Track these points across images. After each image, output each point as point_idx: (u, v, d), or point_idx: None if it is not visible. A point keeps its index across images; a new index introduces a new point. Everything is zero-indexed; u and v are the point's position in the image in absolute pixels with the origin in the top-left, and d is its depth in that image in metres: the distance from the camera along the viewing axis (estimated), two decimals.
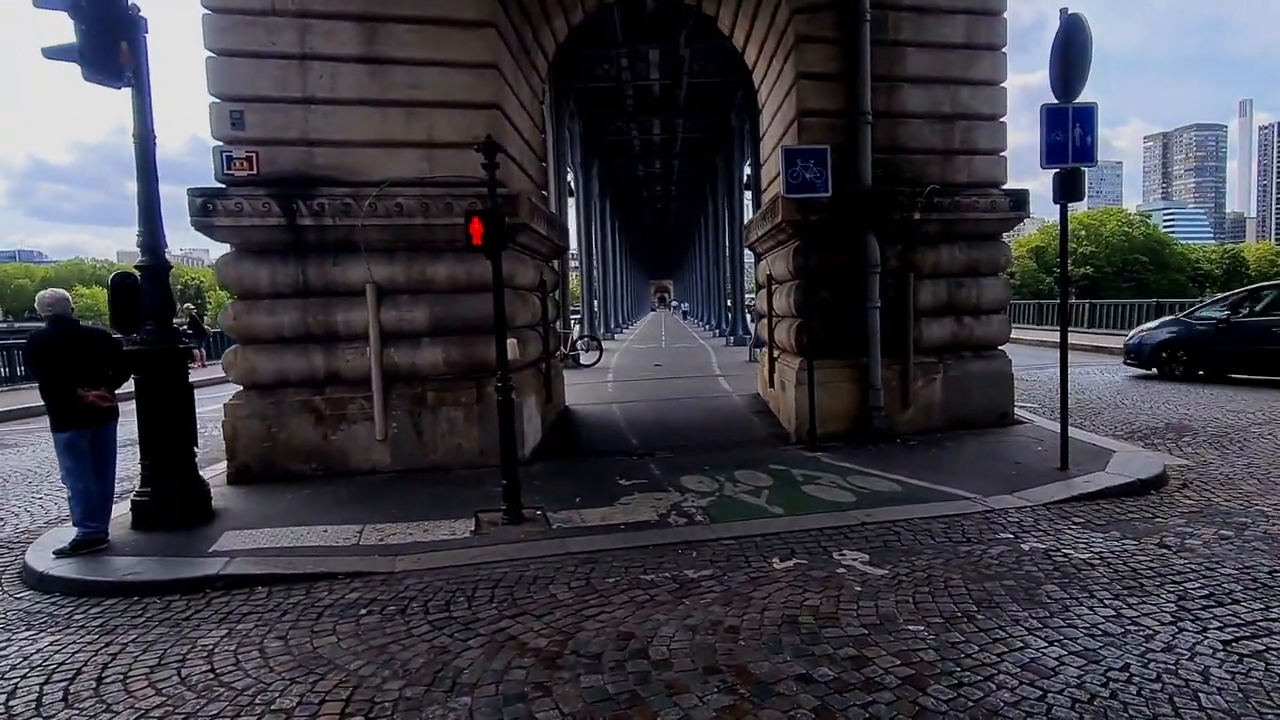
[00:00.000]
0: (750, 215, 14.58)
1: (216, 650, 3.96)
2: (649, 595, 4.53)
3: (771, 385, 10.07)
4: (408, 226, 7.41)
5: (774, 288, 9.91)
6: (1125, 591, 4.30)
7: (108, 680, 3.66)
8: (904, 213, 8.54)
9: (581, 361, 18.00)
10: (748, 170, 25.42)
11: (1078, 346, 20.12)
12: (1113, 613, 4.02)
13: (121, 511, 6.10)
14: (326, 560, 5.23)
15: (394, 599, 4.61)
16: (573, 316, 26.47)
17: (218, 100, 7.23)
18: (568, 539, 5.61)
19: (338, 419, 7.50)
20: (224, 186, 7.20)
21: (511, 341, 6.13)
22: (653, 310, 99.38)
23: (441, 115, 7.56)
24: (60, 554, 5.28)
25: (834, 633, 3.92)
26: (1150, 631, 3.78)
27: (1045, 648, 3.65)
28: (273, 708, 3.33)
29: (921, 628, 3.93)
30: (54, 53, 5.47)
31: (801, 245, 8.45)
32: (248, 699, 3.42)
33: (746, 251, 35.41)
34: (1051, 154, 6.61)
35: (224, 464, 7.56)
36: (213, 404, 9.60)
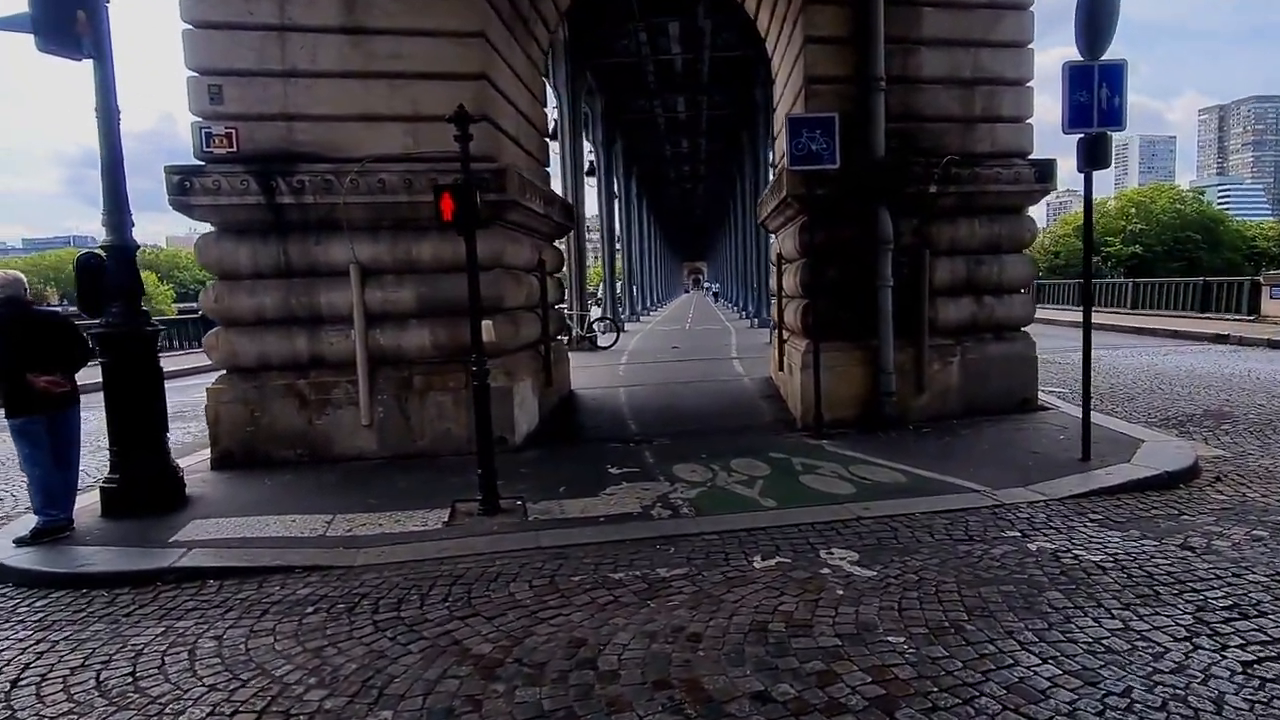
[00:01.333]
0: None
1: (146, 650, 3.74)
2: (613, 596, 4.21)
3: (781, 368, 9.64)
4: (391, 204, 7.13)
5: (783, 266, 9.45)
6: (1137, 600, 3.86)
7: (23, 683, 3.46)
8: (919, 185, 8.01)
9: (599, 344, 17.71)
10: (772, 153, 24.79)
11: (1120, 328, 19.26)
12: (1120, 625, 3.59)
13: (94, 499, 5.98)
14: (286, 553, 5.01)
15: (345, 596, 4.36)
16: (592, 298, 26.17)
17: (196, 75, 7.00)
18: (541, 532, 5.31)
19: (322, 403, 7.30)
20: (203, 164, 6.98)
21: (486, 323, 5.83)
22: (686, 292, 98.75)
23: (426, 87, 7.23)
24: (20, 542, 5.15)
25: (804, 643, 3.55)
26: (1160, 649, 3.35)
27: (1038, 666, 3.24)
28: (181, 718, 3.10)
29: (902, 639, 3.55)
30: (6, 23, 5.25)
31: (809, 221, 7.99)
32: (157, 708, 3.18)
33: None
34: (1075, 117, 6.05)
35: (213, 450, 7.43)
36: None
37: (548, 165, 10.29)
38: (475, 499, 5.82)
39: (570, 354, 16.69)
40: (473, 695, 3.20)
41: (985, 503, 5.63)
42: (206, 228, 7.28)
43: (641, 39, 18.92)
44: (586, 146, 26.26)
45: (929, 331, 8.23)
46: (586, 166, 27.23)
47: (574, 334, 17.47)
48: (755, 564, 4.63)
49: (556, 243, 10.69)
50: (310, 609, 4.20)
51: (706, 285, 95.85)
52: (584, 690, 3.21)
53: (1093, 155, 6.16)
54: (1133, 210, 79.60)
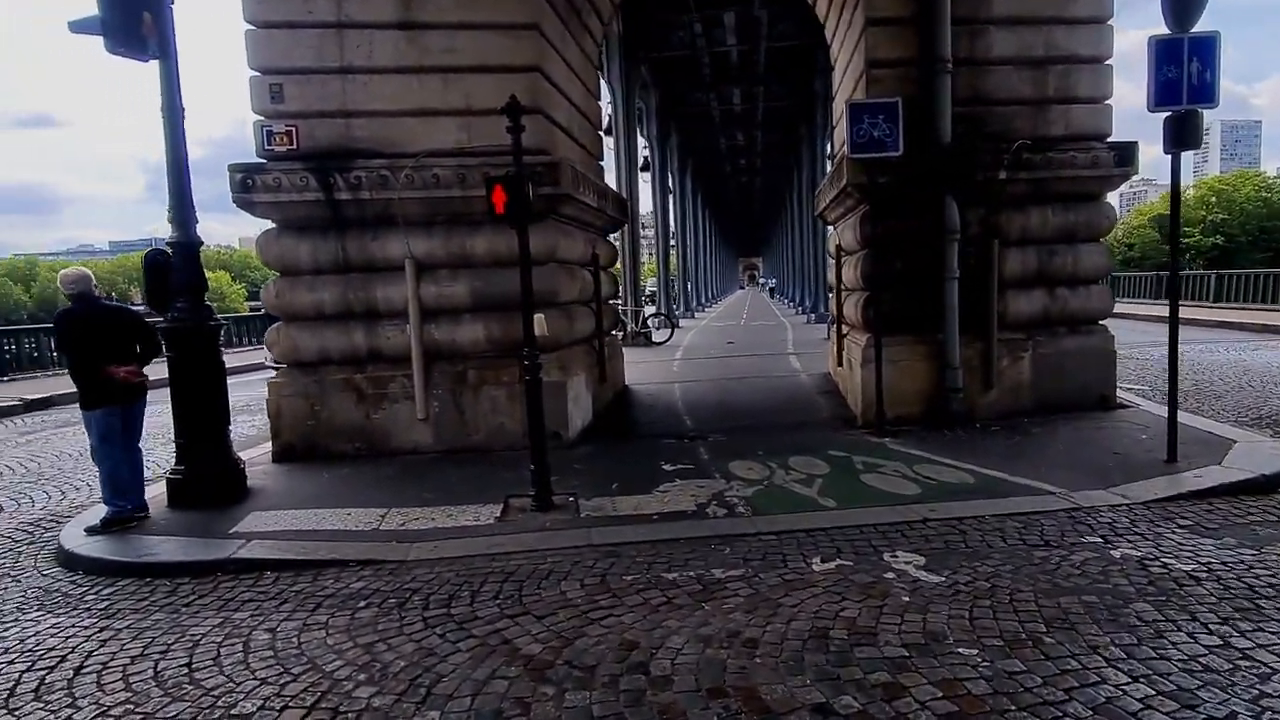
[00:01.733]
0: None
1: (202, 641, 3.78)
2: (666, 597, 4.09)
3: (840, 364, 9.36)
4: (445, 199, 7.14)
5: (843, 259, 9.17)
6: (1237, 614, 3.54)
7: (86, 670, 3.52)
8: (988, 172, 7.64)
9: (653, 339, 17.59)
10: (829, 145, 24.24)
11: (1202, 322, 18.22)
12: (1219, 642, 3.29)
13: (162, 490, 6.14)
14: (341, 546, 5.03)
15: (397, 591, 4.34)
16: (647, 295, 26.08)
17: (257, 74, 7.13)
18: (593, 529, 5.22)
19: (379, 398, 7.36)
20: (264, 162, 7.11)
21: (539, 317, 5.75)
22: (741, 288, 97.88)
23: (479, 81, 7.21)
24: (91, 531, 5.30)
25: (868, 652, 3.36)
26: (1266, 669, 3.06)
27: (1127, 685, 2.99)
28: (232, 712, 3.09)
29: (975, 651, 3.32)
30: (78, 26, 5.41)
31: (870, 211, 7.70)
32: (210, 700, 3.19)
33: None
34: (1162, 94, 5.65)
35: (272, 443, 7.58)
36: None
37: (601, 159, 10.20)
38: (528, 494, 5.77)
39: (625, 349, 16.68)
40: (521, 698, 3.11)
41: (1061, 505, 5.31)
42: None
43: (696, 30, 18.68)
44: (641, 142, 26.18)
45: (998, 325, 7.85)
46: (641, 162, 27.18)
47: (629, 329, 17.40)
48: (814, 566, 4.44)
49: (610, 237, 10.60)
50: (362, 603, 4.18)
51: (762, 281, 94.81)
52: (635, 696, 3.09)
53: (1181, 135, 5.75)
54: (1213, 199, 75.51)
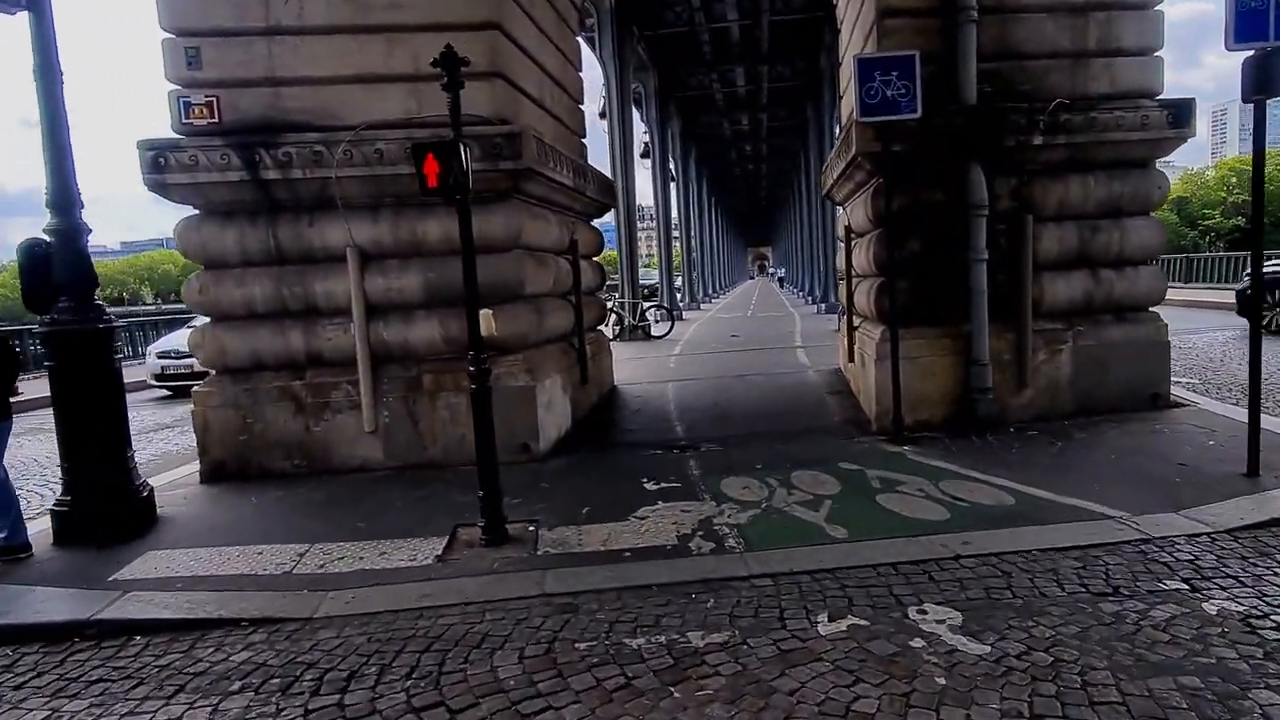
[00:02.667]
0: None
1: None
2: (625, 678, 3.13)
3: (851, 359, 8.35)
4: (392, 177, 6.17)
5: (853, 241, 8.16)
6: None
7: None
8: (1020, 136, 6.60)
9: (652, 333, 16.61)
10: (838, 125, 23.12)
11: (1222, 305, 17.04)
12: None
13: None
14: (238, 598, 4.09)
15: (287, 666, 3.40)
16: (646, 284, 25.09)
17: (171, 36, 6.18)
18: (550, 573, 4.26)
19: (321, 407, 6.43)
20: (181, 138, 6.17)
21: (485, 313, 4.82)
22: (750, 278, 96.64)
23: (430, 41, 6.15)
24: None
25: None
26: None
27: None
28: None
29: None
30: None
31: (883, 184, 6.68)
32: None
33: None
34: (1244, 28, 4.61)
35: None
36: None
37: (584, 136, 9.21)
38: (480, 524, 4.82)
39: (621, 344, 15.75)
40: None
41: (1125, 535, 4.31)
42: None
43: (695, 4, 17.61)
44: (641, 128, 25.16)
45: (1033, 314, 6.83)
46: (640, 148, 26.13)
47: (625, 323, 16.44)
48: (820, 628, 3.47)
49: (596, 223, 9.62)
50: (237, 686, 3.24)
51: (772, 270, 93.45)
52: None
53: (1265, 78, 4.70)
54: (1234, 180, 73.62)
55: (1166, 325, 7.17)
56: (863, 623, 3.49)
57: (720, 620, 3.60)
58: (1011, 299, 6.82)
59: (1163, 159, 7.26)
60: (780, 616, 3.60)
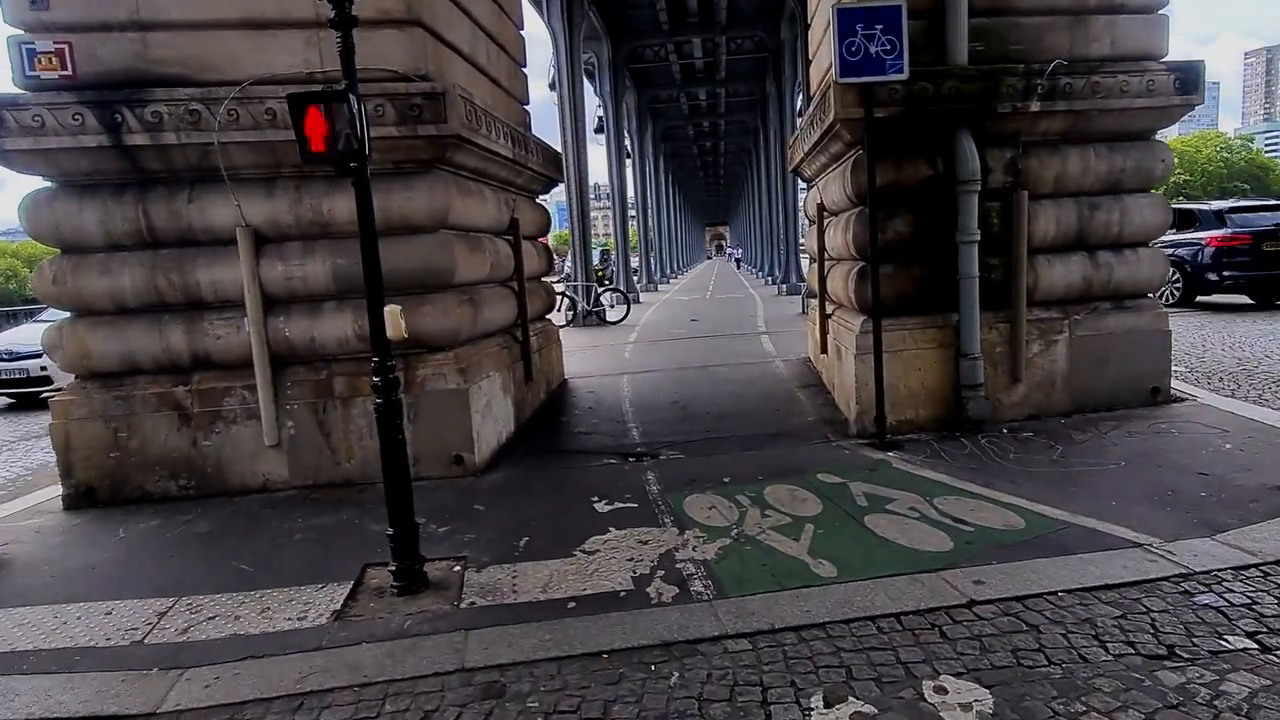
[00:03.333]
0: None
1: None
2: None
3: (824, 350, 7.61)
4: (289, 143, 5.14)
5: (827, 221, 7.38)
6: None
7: None
8: (1016, 102, 5.86)
9: (607, 318, 15.72)
10: (801, 97, 22.36)
11: None
12: None
13: None
14: (60, 688, 3.15)
15: None
16: (602, 266, 24.17)
17: None
18: (474, 635, 3.41)
19: (210, 418, 5.43)
20: (24, 94, 5.06)
21: (392, 309, 3.88)
22: (708, 258, 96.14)
23: None
24: None
25: None
26: None
27: None
28: None
29: None
30: None
31: (864, 156, 5.90)
32: None
33: (802, 187, 32.05)
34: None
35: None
36: None
37: (526, 103, 8.23)
38: (393, 565, 3.94)
39: (574, 331, 14.85)
40: None
41: (1161, 569, 3.63)
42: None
43: None
44: (595, 101, 24.08)
45: (1027, 301, 6.15)
46: (594, 123, 25.06)
47: (579, 308, 15.52)
48: (814, 714, 2.69)
49: (543, 200, 8.68)
50: None
51: (730, 251, 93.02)
52: None
53: None
54: (1176, 161, 75.41)
55: (1167, 313, 6.57)
56: (867, 709, 2.72)
57: (685, 704, 2.80)
58: (1004, 285, 6.13)
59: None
60: (763, 700, 2.81)
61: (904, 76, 5.48)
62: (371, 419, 5.38)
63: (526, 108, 8.28)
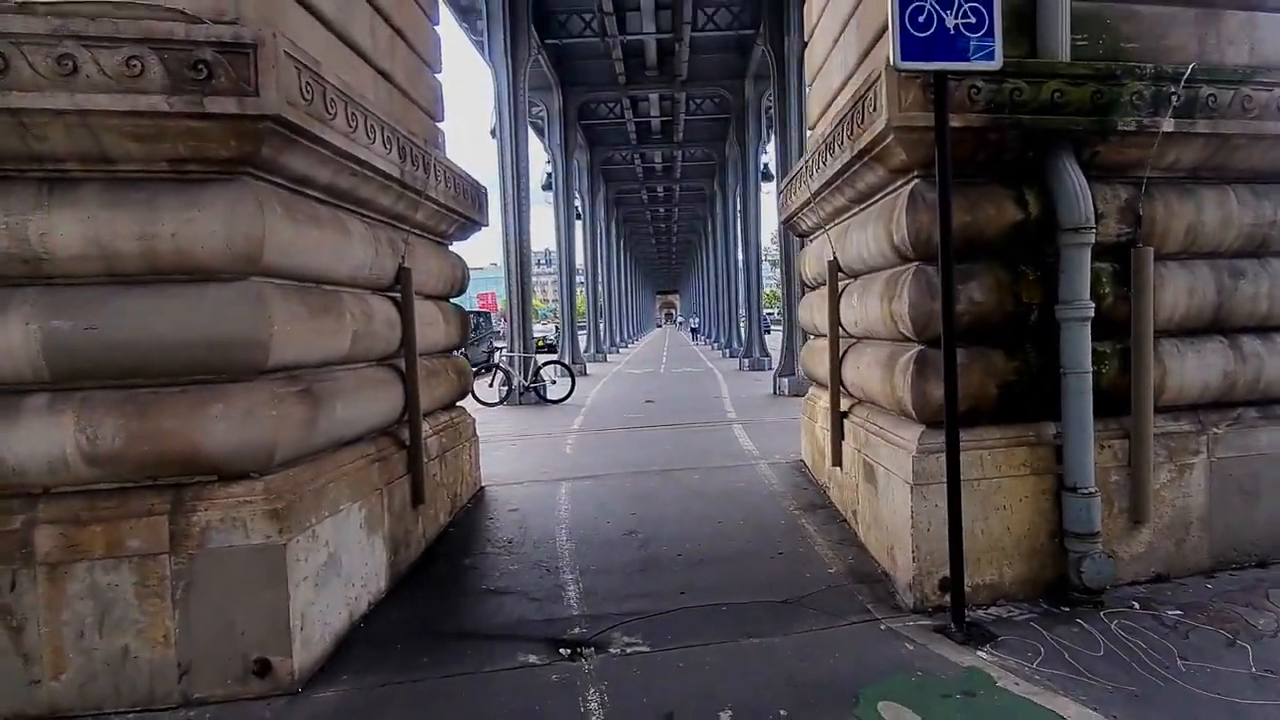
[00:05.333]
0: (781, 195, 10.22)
1: None
2: None
3: (837, 462, 5.50)
4: None
5: (845, 284, 5.38)
6: None
7: None
8: (1142, 117, 4.01)
9: (548, 396, 13.45)
10: (765, 156, 21.04)
11: None
12: None
13: None
14: None
15: None
16: (542, 339, 22.03)
17: None
18: None
19: None
20: None
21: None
22: (658, 326, 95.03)
23: None
24: None
25: None
26: None
27: None
28: None
29: None
30: None
31: (927, 186, 3.95)
32: None
33: (768, 250, 30.68)
34: None
35: None
36: None
37: (438, 119, 6.15)
38: None
39: (508, 411, 12.45)
40: None
41: None
42: None
43: (605, 8, 15.05)
44: (545, 157, 22.39)
45: (1153, 406, 4.18)
46: (542, 179, 23.31)
47: (515, 384, 13.23)
48: None
49: (444, 243, 6.51)
50: None
51: (681, 320, 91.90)
52: None
53: None
54: None
55: None
56: None
57: None
58: (1118, 384, 4.16)
59: None
60: None
61: (995, 65, 3.58)
62: (106, 599, 3.02)
63: (440, 125, 6.20)
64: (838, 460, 5.52)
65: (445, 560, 4.94)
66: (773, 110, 14.53)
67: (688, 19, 15.28)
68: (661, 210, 42.80)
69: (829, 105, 5.99)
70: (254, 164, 3.28)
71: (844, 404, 5.51)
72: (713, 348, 35.03)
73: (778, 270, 15.43)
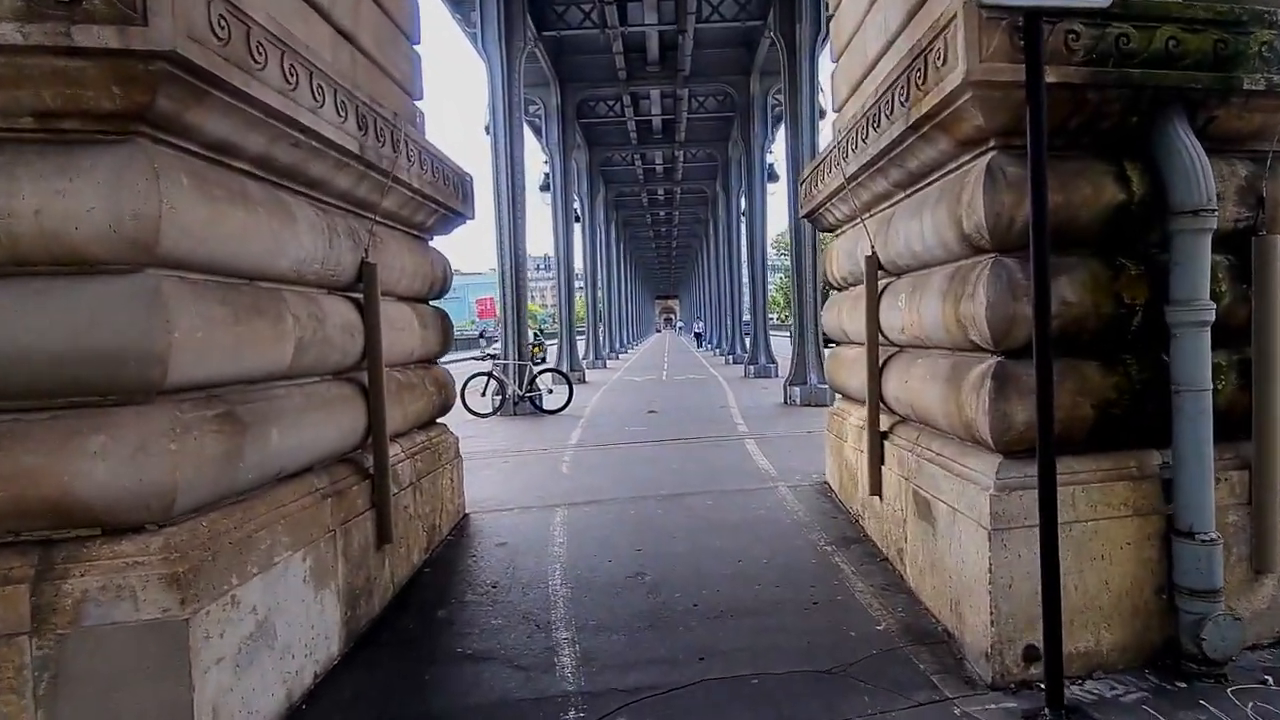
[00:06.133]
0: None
1: None
2: None
3: (877, 491, 4.71)
4: None
5: (887, 283, 4.61)
6: None
7: None
8: (1268, 73, 3.24)
9: (544, 405, 12.65)
10: (770, 156, 20.31)
11: None
12: None
13: None
14: None
15: None
16: (547, 342, 21.29)
17: None
18: None
19: None
20: None
21: None
22: (658, 331, 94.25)
23: None
24: None
25: None
26: None
27: None
28: None
29: None
30: None
31: (1003, 157, 3.19)
32: None
33: (771, 253, 29.90)
34: None
35: None
36: None
37: (416, 97, 5.39)
38: None
39: (501, 422, 11.62)
40: None
41: None
42: None
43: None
44: (542, 156, 21.68)
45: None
46: (540, 181, 22.61)
47: (509, 393, 12.43)
48: None
49: (423, 236, 5.73)
50: None
51: (681, 324, 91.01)
52: None
53: None
54: None
55: None
56: None
57: None
58: (1237, 403, 3.39)
59: None
60: None
61: (1105, 2, 2.81)
62: None
63: (419, 104, 5.43)
64: (876, 489, 4.73)
65: (416, 612, 4.14)
66: (782, 103, 13.77)
67: (692, 9, 14.54)
68: (662, 213, 42.05)
69: (862, 79, 5.25)
70: (150, 121, 2.51)
71: (884, 422, 4.73)
72: (714, 353, 34.25)
73: (775, 274, 14.58)
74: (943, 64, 3.19)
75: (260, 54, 2.83)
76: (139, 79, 2.39)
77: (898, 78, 3.76)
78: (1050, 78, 2.94)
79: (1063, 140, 3.23)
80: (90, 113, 2.42)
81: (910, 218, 4.08)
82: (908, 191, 4.29)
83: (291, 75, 3.06)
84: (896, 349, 4.61)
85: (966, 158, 3.50)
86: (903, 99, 3.69)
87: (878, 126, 4.13)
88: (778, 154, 20.88)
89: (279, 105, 2.97)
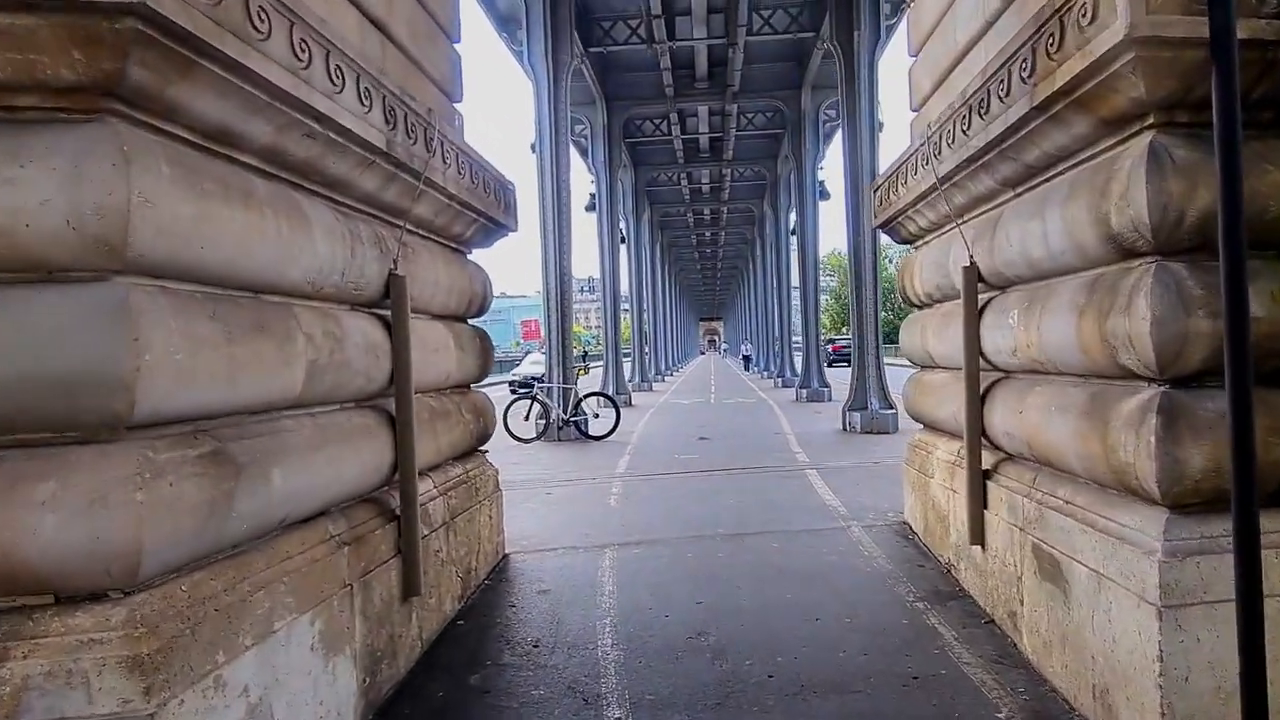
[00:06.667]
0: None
1: None
2: None
3: (978, 541, 4.04)
4: None
5: (989, 298, 3.97)
6: None
7: None
8: None
9: (590, 431, 12.13)
10: (820, 174, 19.66)
11: None
12: None
13: None
14: None
15: None
16: (593, 363, 20.84)
17: None
18: None
19: None
20: None
21: None
22: (701, 353, 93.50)
23: None
24: None
25: None
26: None
27: None
28: None
29: None
30: None
31: (1167, 137, 2.56)
32: None
33: (822, 277, 29.04)
34: None
35: None
36: None
37: (456, 100, 4.96)
38: None
39: (545, 448, 11.12)
40: None
41: None
42: None
43: (653, 10, 13.96)
44: (589, 177, 21.45)
45: None
46: (586, 201, 22.37)
47: (553, 417, 11.94)
48: None
49: (460, 247, 5.27)
50: None
51: (726, 347, 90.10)
52: None
53: None
54: None
55: None
56: None
57: None
58: None
59: None
60: None
61: None
62: None
63: (457, 107, 5.00)
64: (978, 538, 4.06)
65: (446, 676, 3.59)
66: (836, 116, 13.21)
67: (743, 21, 14.06)
68: (707, 234, 41.54)
69: (950, 70, 4.66)
70: (122, 97, 2.05)
71: (986, 459, 4.06)
72: (762, 376, 33.44)
73: (823, 295, 13.83)
74: (1090, 21, 2.58)
75: (263, 22, 2.37)
76: (104, 40, 1.93)
77: (1015, 51, 3.16)
78: (1239, 33, 2.32)
79: (1244, 115, 2.59)
80: (48, 85, 1.97)
81: (1026, 219, 3.45)
82: (1018, 190, 3.66)
83: (303, 51, 2.60)
84: (1003, 374, 3.96)
85: (1111, 140, 2.87)
86: (1024, 74, 3.08)
87: (985, 113, 3.52)
88: (827, 171, 20.17)
89: (287, 86, 2.51)
